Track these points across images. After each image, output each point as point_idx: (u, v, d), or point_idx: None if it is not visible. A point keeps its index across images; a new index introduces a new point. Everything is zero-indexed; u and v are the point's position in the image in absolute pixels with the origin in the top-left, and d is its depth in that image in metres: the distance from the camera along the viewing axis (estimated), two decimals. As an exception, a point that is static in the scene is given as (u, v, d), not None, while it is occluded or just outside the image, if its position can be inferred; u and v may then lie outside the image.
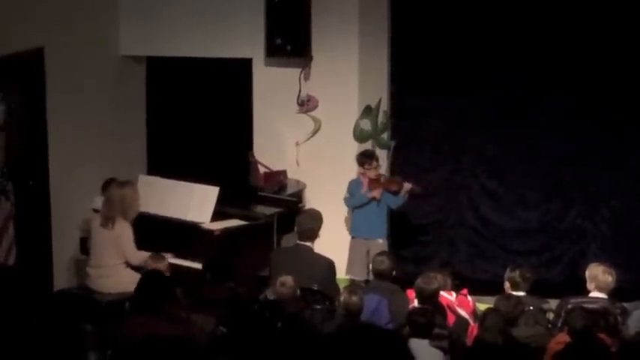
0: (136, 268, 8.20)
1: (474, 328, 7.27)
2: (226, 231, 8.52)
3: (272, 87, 9.97)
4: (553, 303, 7.70)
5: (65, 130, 9.22)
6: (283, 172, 9.82)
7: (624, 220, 9.76)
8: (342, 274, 8.86)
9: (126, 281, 7.97)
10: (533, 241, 9.99)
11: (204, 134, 10.36)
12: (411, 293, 7.52)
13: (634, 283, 9.08)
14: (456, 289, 7.88)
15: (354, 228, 9.28)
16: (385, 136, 9.88)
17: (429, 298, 7.23)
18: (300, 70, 9.80)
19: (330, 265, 8.08)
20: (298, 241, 8.27)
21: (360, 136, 9.77)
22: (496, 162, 10.02)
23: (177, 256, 8.47)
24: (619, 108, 9.54)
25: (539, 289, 7.86)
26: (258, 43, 9.73)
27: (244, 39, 9.87)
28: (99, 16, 9.82)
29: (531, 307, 7.40)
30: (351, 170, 9.48)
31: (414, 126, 10.11)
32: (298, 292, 7.36)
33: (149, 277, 6.88)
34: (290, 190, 9.62)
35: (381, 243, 9.10)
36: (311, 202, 9.55)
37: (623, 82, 9.50)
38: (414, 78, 9.95)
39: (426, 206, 10.15)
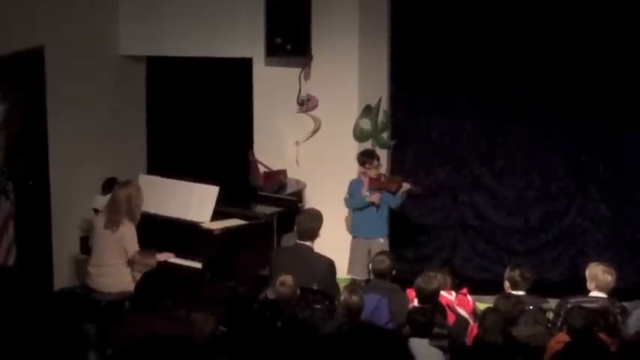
0: (136, 268, 8.22)
1: (473, 327, 7.26)
2: (226, 230, 8.50)
3: (272, 86, 9.97)
4: (553, 302, 7.68)
5: (65, 130, 9.22)
6: (283, 172, 9.82)
7: (624, 219, 9.76)
8: (342, 273, 8.86)
9: (126, 280, 8.00)
10: (533, 241, 10.00)
11: (204, 134, 10.36)
12: (410, 293, 7.51)
13: (634, 283, 9.09)
14: (456, 288, 7.87)
15: (355, 228, 9.28)
16: (385, 135, 9.89)
17: (429, 298, 7.22)
18: (300, 69, 9.81)
19: (330, 265, 8.06)
20: (298, 241, 8.25)
21: (360, 135, 9.77)
22: (496, 162, 10.02)
23: (178, 255, 8.45)
24: (619, 108, 9.54)
25: (539, 289, 7.85)
26: (258, 42, 9.73)
27: (244, 38, 9.88)
28: (99, 16, 9.83)
29: (531, 307, 7.38)
30: (351, 170, 9.48)
31: (414, 126, 10.11)
32: (298, 291, 7.34)
33: (149, 277, 6.88)
34: (290, 190, 9.62)
35: (382, 242, 9.09)
36: (311, 201, 9.55)
37: (623, 82, 9.50)
38: (413, 77, 9.96)
39: (426, 206, 10.16)
